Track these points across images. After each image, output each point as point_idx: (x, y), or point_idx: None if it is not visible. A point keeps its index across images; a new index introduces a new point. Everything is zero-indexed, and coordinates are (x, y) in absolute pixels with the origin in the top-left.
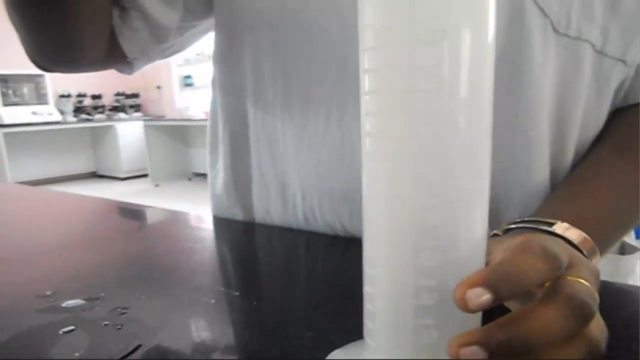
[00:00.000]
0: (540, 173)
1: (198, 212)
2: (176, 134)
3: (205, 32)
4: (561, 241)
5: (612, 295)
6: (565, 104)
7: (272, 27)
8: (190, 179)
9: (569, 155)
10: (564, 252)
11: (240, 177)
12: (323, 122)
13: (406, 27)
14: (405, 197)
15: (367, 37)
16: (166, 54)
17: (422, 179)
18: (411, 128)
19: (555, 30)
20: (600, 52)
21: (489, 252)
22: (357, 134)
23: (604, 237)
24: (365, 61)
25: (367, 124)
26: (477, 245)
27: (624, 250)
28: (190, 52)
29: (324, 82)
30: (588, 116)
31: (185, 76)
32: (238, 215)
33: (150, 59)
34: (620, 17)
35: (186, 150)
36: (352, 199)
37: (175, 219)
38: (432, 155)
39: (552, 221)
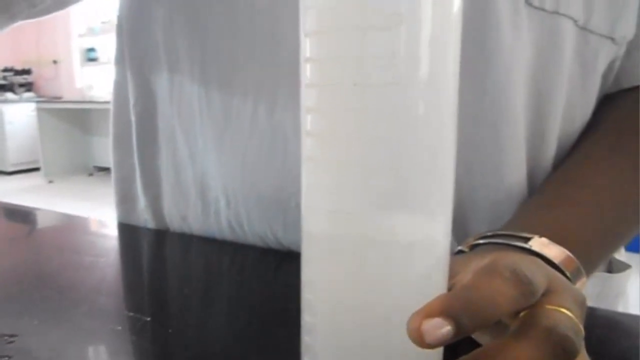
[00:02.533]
0: (514, 174)
1: (100, 215)
2: (76, 120)
3: None
4: (539, 261)
5: (600, 326)
6: (544, 92)
7: None
8: (91, 174)
9: (550, 153)
10: (540, 275)
11: (150, 176)
12: (249, 113)
13: (356, 9)
14: (352, 209)
15: (310, 20)
16: (35, 11)
17: (372, 187)
18: (360, 128)
19: (528, 3)
20: (583, 29)
21: (453, 274)
22: (290, 127)
23: (592, 254)
24: (307, 48)
25: (307, 122)
26: (438, 264)
27: (612, 267)
28: (94, 19)
29: (250, 65)
30: (572, 105)
31: (88, 49)
32: (149, 222)
33: (13, 16)
34: None
35: (87, 140)
36: (287, 206)
37: (73, 226)
38: (384, 160)
39: (529, 236)
